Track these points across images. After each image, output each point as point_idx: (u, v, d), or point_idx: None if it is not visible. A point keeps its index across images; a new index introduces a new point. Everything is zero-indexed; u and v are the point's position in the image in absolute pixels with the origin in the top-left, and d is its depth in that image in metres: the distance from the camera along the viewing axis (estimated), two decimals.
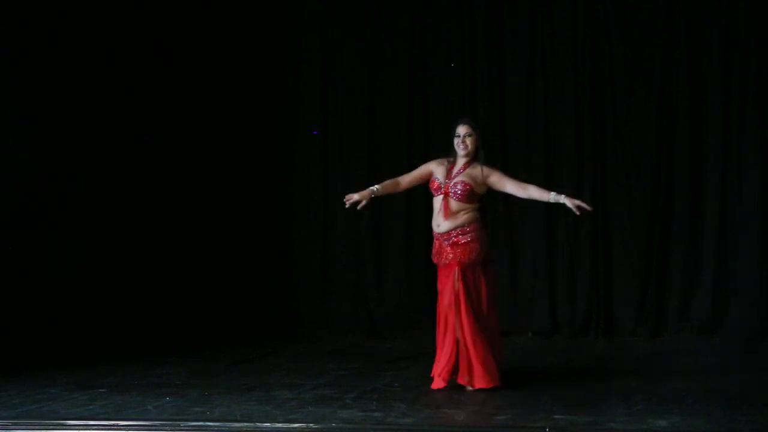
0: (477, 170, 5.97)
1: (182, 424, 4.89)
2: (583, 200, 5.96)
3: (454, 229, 5.91)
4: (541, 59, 8.61)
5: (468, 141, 5.97)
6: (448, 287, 5.87)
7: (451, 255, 5.90)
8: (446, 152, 6.11)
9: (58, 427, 4.93)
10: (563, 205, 5.89)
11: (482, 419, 4.99)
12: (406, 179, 6.16)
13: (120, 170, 7.97)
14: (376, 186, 6.01)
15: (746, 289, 8.07)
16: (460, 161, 6.02)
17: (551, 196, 5.88)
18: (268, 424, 4.88)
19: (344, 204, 5.95)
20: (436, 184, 6.00)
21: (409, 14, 8.87)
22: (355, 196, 5.91)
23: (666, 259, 8.33)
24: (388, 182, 6.09)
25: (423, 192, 8.78)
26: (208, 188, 8.72)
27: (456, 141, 6.00)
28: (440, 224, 5.95)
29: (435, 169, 6.06)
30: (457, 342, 5.82)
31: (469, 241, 5.89)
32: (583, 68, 8.53)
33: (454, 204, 5.91)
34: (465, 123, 6.03)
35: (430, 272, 8.77)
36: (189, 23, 8.50)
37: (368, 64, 8.92)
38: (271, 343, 7.97)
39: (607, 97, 8.49)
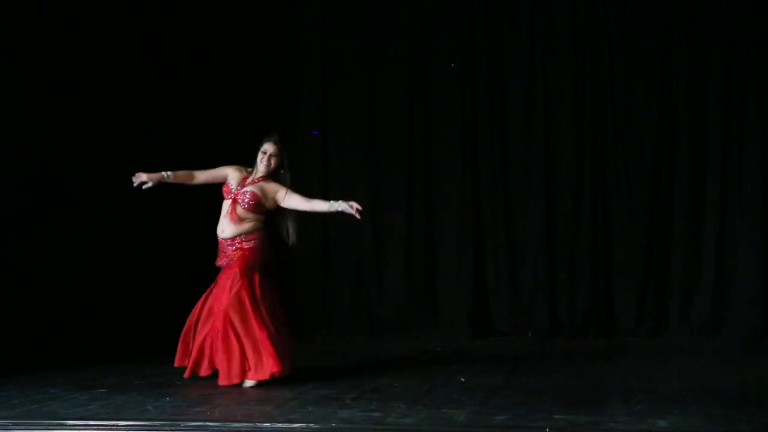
0: (270, 186, 6.17)
1: (182, 424, 4.87)
2: (357, 202, 6.12)
3: (238, 235, 6.13)
4: (541, 59, 8.61)
5: (272, 161, 6.19)
6: (227, 288, 6.05)
7: (234, 258, 6.11)
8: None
9: (58, 427, 4.92)
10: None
11: (482, 419, 4.98)
12: (202, 176, 6.31)
13: (120, 170, 7.94)
14: (169, 172, 6.15)
15: (746, 289, 8.08)
16: (258, 174, 6.20)
17: (330, 205, 6.12)
18: (268, 424, 4.86)
19: (135, 182, 6.10)
20: (227, 188, 6.20)
21: (409, 14, 8.88)
22: (144, 176, 6.08)
23: (666, 259, 8.33)
24: (182, 172, 6.23)
25: (423, 192, 8.86)
26: (207, 188, 8.69)
27: (260, 156, 6.19)
28: (224, 229, 6.17)
29: (231, 174, 6.25)
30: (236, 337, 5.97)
31: (252, 247, 6.10)
32: (583, 68, 8.54)
33: (240, 211, 6.12)
34: (274, 142, 6.22)
35: (430, 272, 8.84)
36: (189, 23, 8.48)
37: (368, 64, 8.93)
38: None
39: (607, 97, 8.50)
